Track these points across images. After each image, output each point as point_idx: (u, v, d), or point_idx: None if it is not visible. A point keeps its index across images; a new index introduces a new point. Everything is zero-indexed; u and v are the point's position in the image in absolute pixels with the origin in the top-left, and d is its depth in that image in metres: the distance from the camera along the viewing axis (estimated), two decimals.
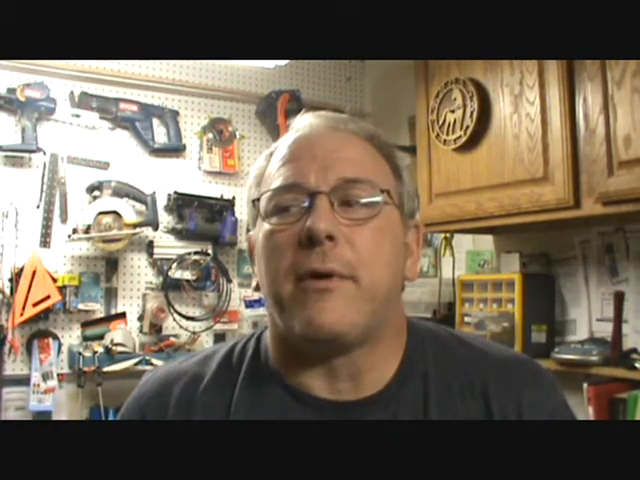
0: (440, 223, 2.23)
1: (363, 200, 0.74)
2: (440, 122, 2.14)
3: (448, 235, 2.55)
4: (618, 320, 1.97)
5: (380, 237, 0.75)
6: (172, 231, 2.84)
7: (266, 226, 0.76)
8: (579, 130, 1.76)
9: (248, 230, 0.87)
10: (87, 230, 2.60)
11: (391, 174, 0.80)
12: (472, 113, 2.02)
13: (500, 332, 2.15)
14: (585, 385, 1.93)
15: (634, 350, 1.91)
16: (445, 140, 2.12)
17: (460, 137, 2.06)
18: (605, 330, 2.04)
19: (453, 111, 2.09)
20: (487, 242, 2.54)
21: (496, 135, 1.99)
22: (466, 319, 2.32)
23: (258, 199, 0.77)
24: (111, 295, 2.74)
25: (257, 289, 0.82)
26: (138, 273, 2.80)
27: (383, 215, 0.75)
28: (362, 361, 0.76)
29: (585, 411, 1.93)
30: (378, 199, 0.75)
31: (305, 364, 0.77)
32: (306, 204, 0.73)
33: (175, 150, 2.88)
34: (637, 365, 1.84)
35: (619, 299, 1.99)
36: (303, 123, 0.82)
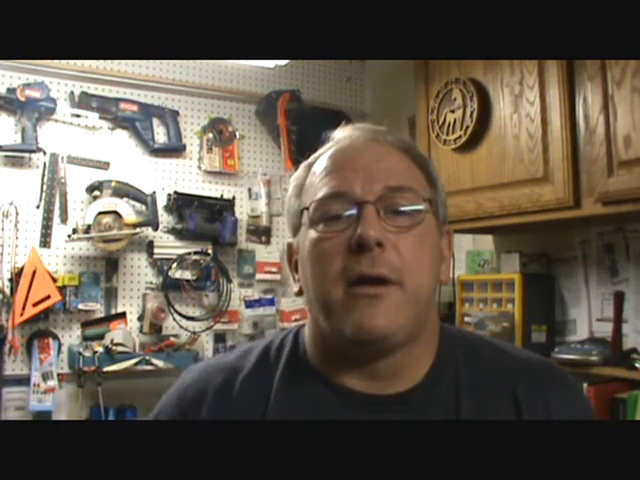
0: None
1: (407, 208, 0.78)
2: (440, 122, 2.14)
3: None
4: (618, 320, 1.97)
5: (422, 244, 0.79)
6: (172, 231, 2.84)
7: (313, 234, 0.79)
8: (579, 130, 1.76)
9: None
10: (87, 230, 2.60)
11: (427, 183, 0.83)
12: (472, 113, 2.02)
13: (500, 332, 2.15)
14: (585, 385, 1.93)
15: (634, 350, 1.91)
16: (445, 140, 2.12)
17: (460, 137, 2.06)
18: (605, 330, 2.04)
19: (453, 111, 2.09)
20: (487, 242, 2.54)
21: (496, 135, 1.99)
22: (466, 319, 2.32)
23: (307, 208, 0.80)
24: (111, 295, 2.74)
25: (299, 294, 0.85)
26: (138, 273, 2.80)
27: (425, 223, 0.79)
28: (402, 361, 0.80)
29: None
30: (421, 207, 0.79)
31: (347, 364, 0.80)
32: (354, 212, 0.77)
33: (175, 150, 2.88)
34: (637, 365, 1.84)
35: (619, 299, 1.99)
36: (343, 135, 0.86)
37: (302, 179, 0.86)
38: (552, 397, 0.82)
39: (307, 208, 0.80)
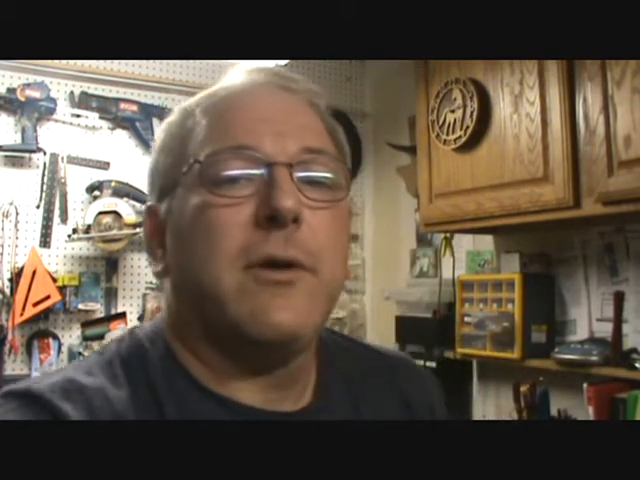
0: (440, 223, 2.24)
1: (326, 176, 0.63)
2: (440, 122, 2.14)
3: (448, 235, 2.55)
4: (618, 320, 1.97)
5: (341, 225, 0.64)
6: None
7: (201, 198, 0.60)
8: (579, 130, 1.76)
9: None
10: (87, 230, 2.60)
11: (337, 153, 0.67)
12: (472, 113, 2.02)
13: (500, 332, 2.15)
14: (585, 385, 1.93)
15: (634, 350, 1.91)
16: (445, 140, 2.12)
17: (460, 137, 2.06)
18: (605, 330, 2.04)
19: (453, 111, 2.09)
20: (487, 242, 2.54)
21: (496, 135, 1.99)
22: (466, 319, 2.32)
23: (198, 161, 0.60)
24: (111, 295, 2.74)
25: (163, 275, 0.66)
26: (138, 273, 2.80)
27: (345, 200, 0.65)
28: (299, 366, 0.66)
29: (585, 411, 1.93)
30: (343, 180, 0.64)
31: (237, 371, 0.63)
32: (263, 175, 0.60)
33: None
34: (637, 365, 1.84)
35: (619, 299, 1.99)
36: (241, 77, 0.68)
37: (179, 127, 0.66)
38: (427, 387, 0.80)
39: (198, 161, 0.60)
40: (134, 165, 2.79)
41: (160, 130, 0.69)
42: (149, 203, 0.68)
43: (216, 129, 0.62)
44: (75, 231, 2.61)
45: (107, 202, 2.64)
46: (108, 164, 2.74)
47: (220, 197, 0.59)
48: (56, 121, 2.66)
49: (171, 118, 0.68)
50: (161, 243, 0.65)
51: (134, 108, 2.78)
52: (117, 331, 2.63)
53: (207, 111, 0.64)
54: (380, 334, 3.05)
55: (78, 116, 2.69)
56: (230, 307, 0.59)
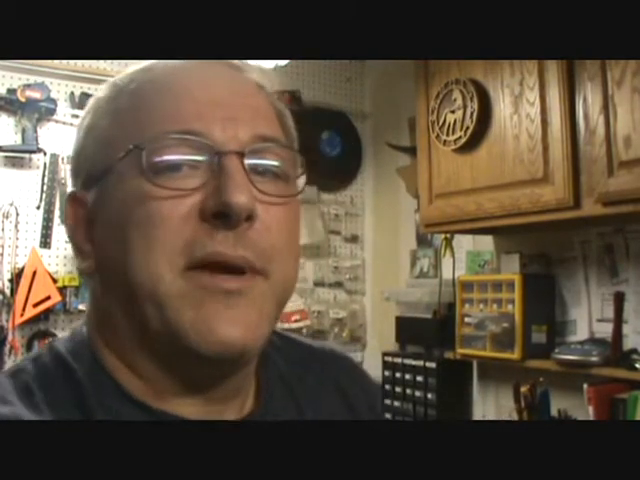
0: (440, 224, 2.24)
1: (277, 165, 0.57)
2: (440, 123, 2.14)
3: (448, 236, 2.55)
4: (618, 320, 1.97)
5: (295, 223, 0.59)
6: None
7: (137, 188, 0.54)
8: (579, 130, 1.76)
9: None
10: None
11: (287, 140, 0.62)
12: (472, 114, 2.02)
13: (500, 333, 2.15)
14: (585, 385, 1.93)
15: (634, 350, 1.92)
16: (445, 141, 2.12)
17: (460, 138, 2.06)
18: (605, 330, 2.04)
19: (453, 112, 2.09)
20: (487, 242, 2.54)
21: (496, 136, 1.99)
22: (466, 320, 2.32)
23: (140, 147, 0.53)
24: None
25: (91, 272, 0.58)
26: None
27: (299, 195, 0.60)
28: (243, 377, 0.60)
29: (585, 411, 1.93)
30: (300, 171, 0.60)
31: (177, 384, 0.57)
32: (212, 164, 0.54)
33: None
34: (637, 365, 1.84)
35: (619, 299, 1.99)
36: (185, 62, 0.62)
37: (110, 104, 0.60)
38: (364, 383, 0.77)
39: (138, 147, 0.53)
40: None
41: (87, 108, 0.62)
42: (72, 190, 0.60)
43: (158, 110, 0.56)
44: None
45: None
46: None
47: (162, 188, 0.53)
48: (56, 122, 2.66)
49: (100, 94, 0.61)
50: (88, 236, 0.58)
51: None
52: None
53: (144, 88, 0.58)
54: (380, 335, 3.05)
55: (78, 117, 2.69)
56: (169, 313, 0.53)
